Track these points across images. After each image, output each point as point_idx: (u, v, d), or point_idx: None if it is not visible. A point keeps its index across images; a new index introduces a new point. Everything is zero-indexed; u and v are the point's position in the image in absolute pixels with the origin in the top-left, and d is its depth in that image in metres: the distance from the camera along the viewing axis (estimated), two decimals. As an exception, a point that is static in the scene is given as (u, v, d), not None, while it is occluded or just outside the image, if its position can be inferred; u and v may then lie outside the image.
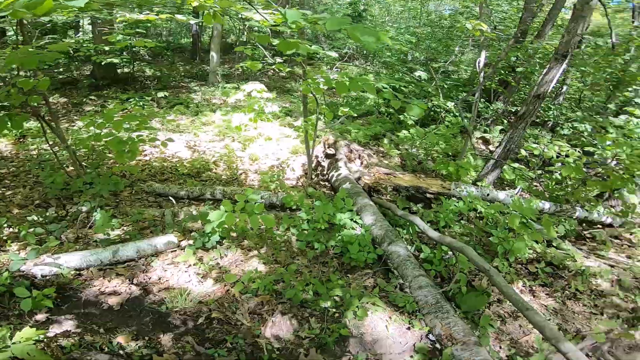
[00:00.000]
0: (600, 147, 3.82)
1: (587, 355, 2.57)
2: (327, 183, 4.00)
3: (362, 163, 3.85)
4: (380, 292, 2.53)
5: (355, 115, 5.88)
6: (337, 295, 2.40)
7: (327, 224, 2.89)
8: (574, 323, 2.70)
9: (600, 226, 4.03)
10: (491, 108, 7.14)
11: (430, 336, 2.17)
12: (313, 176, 4.08)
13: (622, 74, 6.58)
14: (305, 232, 2.98)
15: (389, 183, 3.28)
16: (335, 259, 2.87)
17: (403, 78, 7.32)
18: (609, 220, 4.01)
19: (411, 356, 2.07)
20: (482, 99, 7.28)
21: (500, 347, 2.30)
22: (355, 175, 3.62)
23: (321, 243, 2.89)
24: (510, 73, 6.90)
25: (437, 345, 2.11)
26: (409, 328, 2.23)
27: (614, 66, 6.55)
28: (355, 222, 3.05)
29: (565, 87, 8.03)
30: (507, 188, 4.46)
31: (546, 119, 7.14)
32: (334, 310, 2.31)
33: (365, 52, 11.90)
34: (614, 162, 3.91)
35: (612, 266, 3.32)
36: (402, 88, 6.17)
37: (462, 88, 7.69)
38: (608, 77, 6.83)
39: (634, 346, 2.69)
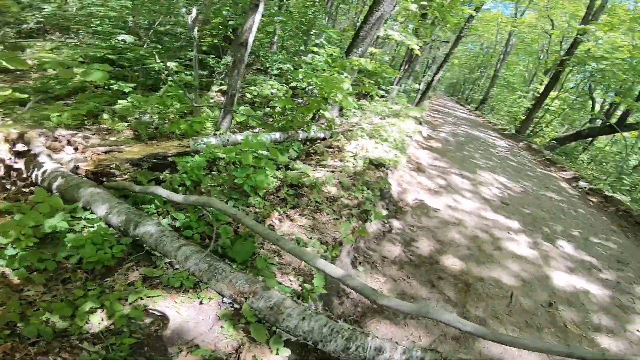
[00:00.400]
0: (300, 80, 4.72)
1: (354, 256, 3.11)
2: (35, 187, 3.00)
3: (76, 149, 3.07)
4: (151, 280, 2.23)
5: (55, 94, 4.57)
6: (95, 308, 1.96)
7: (35, 239, 2.20)
8: (328, 233, 3.03)
9: (319, 141, 5.18)
10: (222, 63, 7.38)
11: (225, 300, 2.11)
12: (8, 186, 2.94)
13: (308, 22, 8.27)
14: (15, 257, 2.18)
15: (116, 161, 2.79)
16: (79, 269, 2.30)
17: (115, 46, 6.29)
18: (322, 135, 5.20)
19: (222, 326, 1.98)
20: (212, 56, 7.41)
21: (290, 280, 2.42)
22: (70, 166, 2.87)
23: (48, 260, 2.21)
24: (228, 29, 7.22)
25: (236, 305, 2.08)
26: (201, 302, 2.10)
27: (304, 16, 8.10)
28: (85, 218, 2.48)
29: (276, 37, 9.31)
30: (250, 130, 4.86)
31: (268, 66, 8.14)
32: (106, 323, 1.91)
33: (65, 24, 9.42)
34: (315, 90, 4.97)
35: (332, 172, 4.20)
36: (108, 56, 5.28)
37: (189, 48, 7.47)
38: (300, 25, 8.42)
39: (379, 236, 3.42)
